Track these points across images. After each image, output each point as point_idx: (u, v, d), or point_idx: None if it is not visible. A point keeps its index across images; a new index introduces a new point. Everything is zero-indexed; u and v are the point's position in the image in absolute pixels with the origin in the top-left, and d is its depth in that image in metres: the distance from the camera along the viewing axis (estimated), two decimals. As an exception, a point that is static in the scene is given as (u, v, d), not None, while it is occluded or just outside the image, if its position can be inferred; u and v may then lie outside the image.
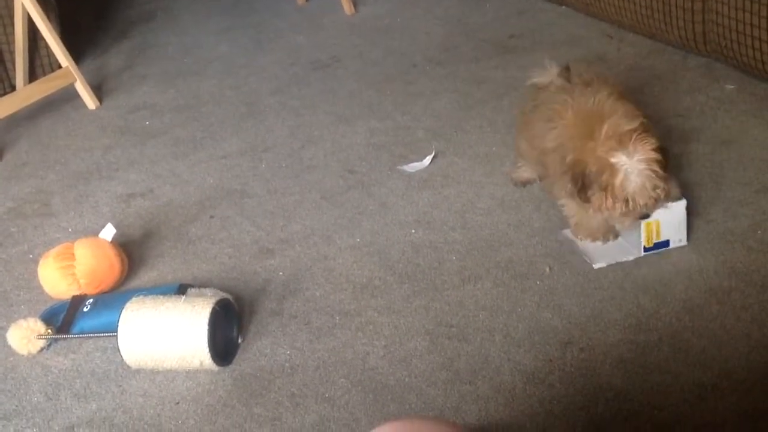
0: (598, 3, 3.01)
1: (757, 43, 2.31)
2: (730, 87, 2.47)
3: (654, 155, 1.65)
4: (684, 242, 1.80)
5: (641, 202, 1.68)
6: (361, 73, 3.04)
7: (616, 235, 1.85)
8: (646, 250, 1.79)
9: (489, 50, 3.04)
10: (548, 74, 1.96)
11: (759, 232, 1.83)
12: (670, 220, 1.77)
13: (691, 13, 2.56)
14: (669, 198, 1.74)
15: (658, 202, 1.71)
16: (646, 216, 1.73)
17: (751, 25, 2.30)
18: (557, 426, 1.44)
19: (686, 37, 2.63)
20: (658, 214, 1.75)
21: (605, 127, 1.68)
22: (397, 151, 2.44)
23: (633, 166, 1.65)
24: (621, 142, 1.66)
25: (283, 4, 3.92)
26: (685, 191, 1.85)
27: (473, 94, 2.72)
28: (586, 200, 1.72)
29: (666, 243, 1.79)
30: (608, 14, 2.99)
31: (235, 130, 2.72)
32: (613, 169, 1.66)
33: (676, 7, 2.61)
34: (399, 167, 2.34)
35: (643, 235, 1.77)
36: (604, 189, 1.68)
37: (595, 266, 1.78)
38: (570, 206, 1.85)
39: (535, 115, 1.93)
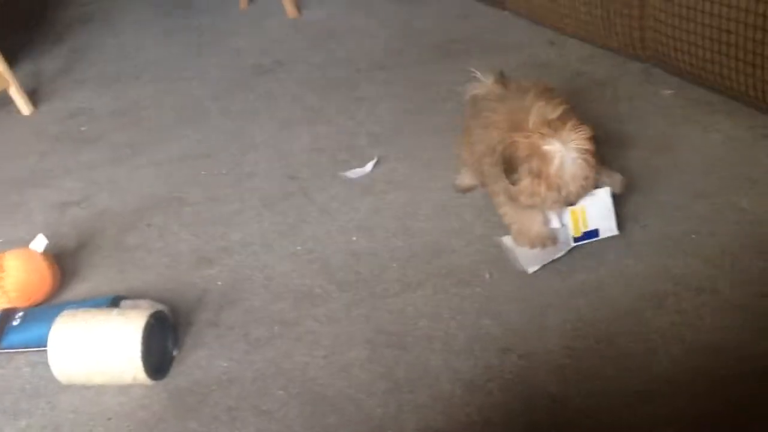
0: (539, 9, 3.03)
1: (693, 49, 2.34)
2: (667, 92, 2.50)
3: (587, 145, 1.66)
4: (615, 231, 1.80)
5: (572, 190, 1.69)
6: (303, 77, 3.01)
7: (555, 241, 1.85)
8: (576, 240, 1.79)
9: (432, 55, 3.04)
10: (484, 85, 1.98)
11: (694, 236, 1.85)
12: (595, 208, 1.77)
13: (629, 20, 2.59)
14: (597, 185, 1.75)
15: (585, 191, 1.72)
16: (572, 204, 1.74)
17: (688, 31, 2.34)
18: (495, 434, 1.44)
19: (625, 43, 2.66)
20: (583, 201, 1.75)
21: (532, 115, 1.70)
22: (339, 156, 2.43)
23: (567, 153, 1.66)
24: (555, 128, 1.66)
25: (225, 7, 3.87)
26: (622, 193, 1.87)
27: (416, 98, 2.72)
28: (513, 183, 1.71)
29: (595, 233, 1.79)
30: (550, 20, 3.02)
31: (175, 136, 2.67)
32: (545, 155, 1.66)
33: (615, 13, 2.63)
34: (341, 173, 2.33)
35: (570, 224, 1.77)
36: (537, 175, 1.67)
37: (530, 271, 1.78)
38: (510, 214, 1.85)
39: (474, 122, 1.94)
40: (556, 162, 1.66)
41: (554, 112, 1.71)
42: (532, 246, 1.84)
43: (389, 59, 3.06)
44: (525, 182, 1.70)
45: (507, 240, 1.89)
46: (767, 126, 2.21)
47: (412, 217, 2.08)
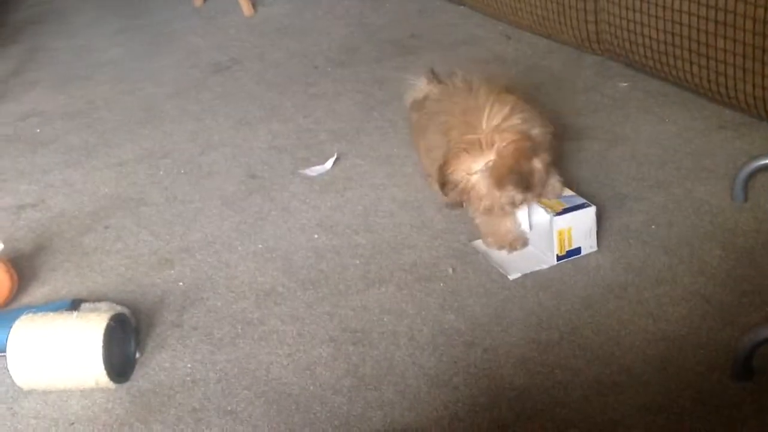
0: (495, 3, 3.05)
1: (647, 42, 2.37)
2: (623, 85, 2.53)
3: (515, 186, 1.68)
4: (594, 248, 1.81)
5: (499, 203, 1.72)
6: (261, 75, 3.00)
7: (525, 243, 1.86)
8: (559, 258, 1.79)
9: (390, 50, 3.05)
10: (420, 89, 1.99)
11: (653, 227, 1.87)
12: (581, 227, 1.78)
13: (584, 13, 2.62)
14: (544, 189, 1.77)
15: (520, 200, 1.73)
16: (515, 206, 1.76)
17: (642, 24, 2.37)
18: (462, 428, 1.44)
19: (580, 37, 2.69)
20: (570, 222, 1.77)
21: (484, 120, 1.70)
22: (299, 154, 2.41)
23: (481, 173, 1.69)
24: (478, 146, 1.68)
25: (179, 5, 3.84)
26: (585, 191, 1.89)
27: (375, 95, 2.71)
28: (446, 195, 1.76)
29: (578, 250, 1.80)
30: (505, 14, 3.04)
31: (131, 137, 2.64)
32: (464, 178, 1.70)
33: (570, 7, 2.66)
34: (301, 171, 2.32)
35: (556, 244, 1.77)
36: (464, 192, 1.71)
37: (511, 277, 1.77)
38: (479, 215, 1.84)
39: (428, 125, 1.91)
40: (472, 181, 1.70)
41: (502, 113, 1.71)
42: (500, 247, 1.84)
43: (347, 56, 3.06)
44: (454, 193, 1.74)
45: (479, 243, 1.89)
46: (721, 116, 2.26)
47: (373, 213, 2.08)
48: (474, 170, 1.70)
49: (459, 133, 1.73)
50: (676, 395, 1.43)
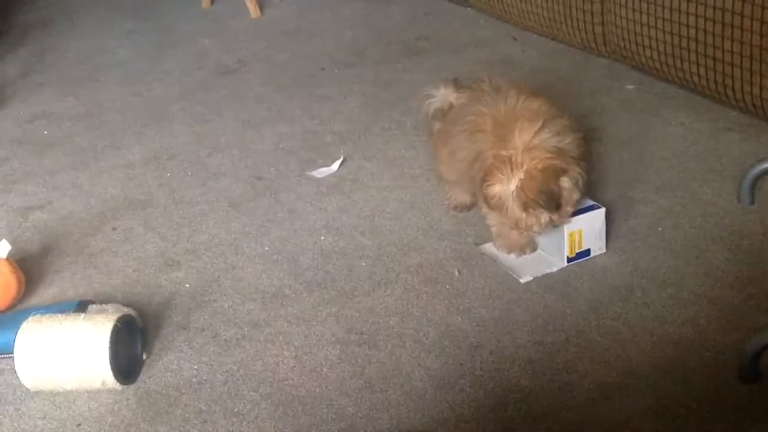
0: (501, 5, 3.05)
1: (654, 44, 2.37)
2: (629, 87, 2.53)
3: (542, 206, 1.66)
4: (603, 250, 1.81)
5: (526, 225, 1.71)
6: (268, 77, 3.00)
7: (534, 248, 1.86)
8: (569, 260, 1.79)
9: (396, 52, 3.05)
10: (443, 97, 1.98)
11: (660, 229, 1.87)
12: (590, 229, 1.78)
13: (590, 15, 2.62)
14: (564, 220, 1.74)
15: (546, 220, 1.71)
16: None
17: (648, 26, 2.37)
18: (468, 430, 1.44)
19: (587, 39, 2.69)
20: (580, 224, 1.76)
21: (516, 137, 1.68)
22: (305, 156, 2.42)
23: (512, 195, 1.67)
24: (508, 165, 1.66)
25: (187, 7, 3.85)
26: (592, 193, 1.88)
27: (381, 96, 2.72)
28: (489, 208, 1.75)
29: (587, 252, 1.80)
30: (512, 16, 3.03)
31: (138, 139, 2.65)
32: (500, 193, 1.68)
33: (577, 9, 2.66)
34: (308, 172, 2.32)
35: (566, 246, 1.77)
36: (500, 208, 1.70)
37: (522, 281, 1.77)
38: (491, 217, 1.84)
39: (453, 129, 1.89)
40: (505, 201, 1.68)
41: (533, 127, 1.68)
42: (510, 252, 1.84)
43: (353, 57, 3.06)
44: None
45: (489, 247, 1.89)
46: (728, 118, 2.25)
47: (379, 215, 2.08)
48: (507, 188, 1.68)
49: (491, 146, 1.71)
50: (683, 398, 1.42)
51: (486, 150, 1.72)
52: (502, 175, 1.67)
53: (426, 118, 2.07)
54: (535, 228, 1.72)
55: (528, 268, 1.81)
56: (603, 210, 1.79)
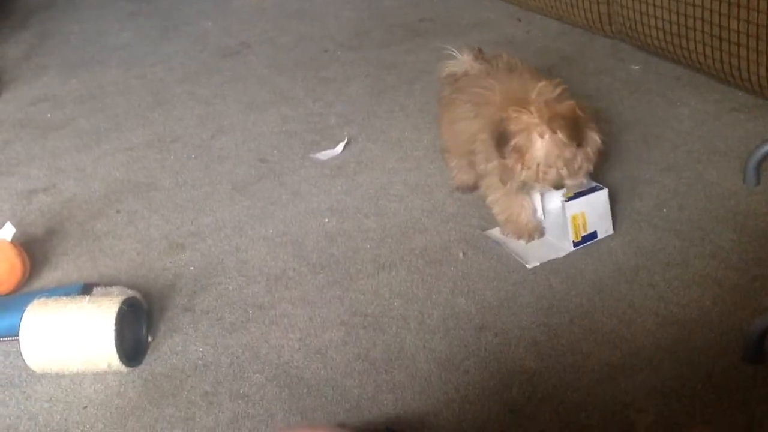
0: (506, -15, 3.03)
1: (660, 23, 2.35)
2: (635, 67, 2.51)
3: (566, 129, 1.61)
4: (610, 232, 1.80)
5: (546, 171, 1.66)
6: (271, 59, 2.99)
7: (542, 234, 1.85)
8: (575, 244, 1.77)
9: (400, 34, 3.03)
10: (462, 62, 1.95)
11: (664, 210, 1.86)
12: (594, 211, 1.77)
13: (595, -5, 2.60)
14: (579, 173, 1.70)
15: (565, 175, 1.67)
16: (560, 187, 1.70)
17: (654, 5, 2.35)
18: (473, 411, 1.44)
19: (592, 19, 2.67)
20: (582, 206, 1.75)
21: (534, 93, 1.64)
22: (309, 138, 2.41)
23: (550, 137, 1.62)
24: (549, 110, 1.62)
25: (190, -11, 3.83)
26: (596, 175, 1.87)
27: (385, 78, 2.71)
28: (503, 156, 1.67)
29: (594, 235, 1.79)
30: (516, -3, 3.02)
31: (142, 121, 2.64)
32: (530, 133, 1.63)
33: (582, -11, 2.64)
34: (311, 155, 2.31)
35: (571, 230, 1.76)
36: (518, 151, 1.64)
37: (529, 266, 1.76)
38: (499, 202, 1.83)
39: (458, 98, 1.87)
40: (537, 143, 1.63)
41: (554, 92, 1.66)
42: (519, 236, 1.83)
43: (357, 40, 3.05)
44: (511, 158, 1.66)
45: (495, 232, 1.88)
46: (734, 99, 2.24)
47: (383, 197, 2.08)
48: (531, 120, 1.63)
49: (503, 102, 1.67)
50: (687, 378, 1.42)
51: (494, 116, 1.69)
52: (525, 115, 1.62)
53: (439, 78, 2.04)
54: (551, 175, 1.66)
55: (535, 252, 1.80)
56: (605, 191, 1.78)
